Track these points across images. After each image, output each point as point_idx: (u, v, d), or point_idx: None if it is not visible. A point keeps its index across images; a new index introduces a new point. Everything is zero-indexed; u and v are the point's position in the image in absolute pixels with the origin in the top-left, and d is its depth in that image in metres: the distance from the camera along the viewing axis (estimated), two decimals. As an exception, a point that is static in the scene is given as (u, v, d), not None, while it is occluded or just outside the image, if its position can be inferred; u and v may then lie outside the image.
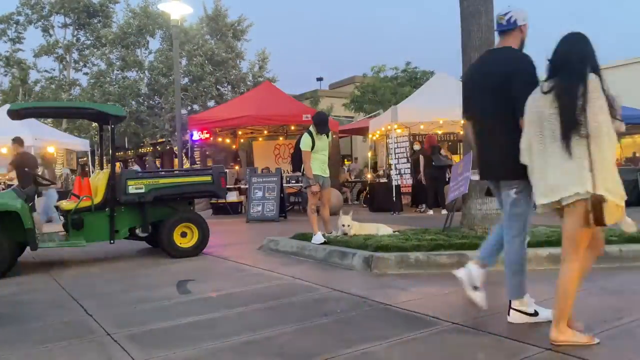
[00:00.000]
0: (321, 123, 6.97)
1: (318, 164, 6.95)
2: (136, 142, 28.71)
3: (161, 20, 25.48)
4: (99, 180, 6.81)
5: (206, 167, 7.45)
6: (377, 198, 13.54)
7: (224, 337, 3.40)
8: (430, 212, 12.25)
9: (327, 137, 7.08)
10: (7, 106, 16.87)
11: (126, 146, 30.96)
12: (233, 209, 13.87)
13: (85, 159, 25.96)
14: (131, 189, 6.55)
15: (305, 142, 6.87)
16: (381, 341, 3.18)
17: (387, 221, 10.78)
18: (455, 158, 15.62)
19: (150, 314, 4.08)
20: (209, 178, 7.02)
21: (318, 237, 6.52)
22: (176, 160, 22.54)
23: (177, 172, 7.32)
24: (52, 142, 15.65)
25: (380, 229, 6.61)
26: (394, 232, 6.69)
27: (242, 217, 12.57)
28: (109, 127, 6.86)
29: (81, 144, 16.90)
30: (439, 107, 12.21)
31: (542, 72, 3.22)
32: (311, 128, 7.02)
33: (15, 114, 6.54)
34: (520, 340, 3.08)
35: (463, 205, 6.37)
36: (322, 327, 3.55)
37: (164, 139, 27.63)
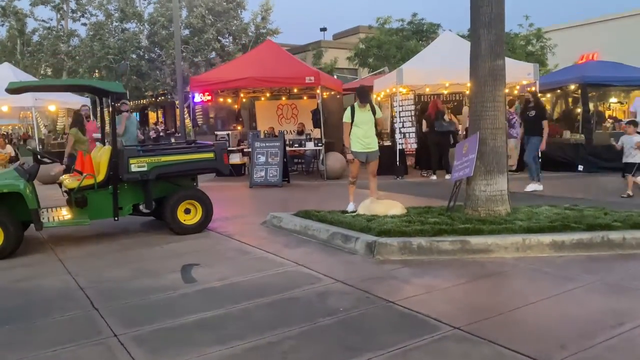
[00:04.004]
0: (360, 94, 7.47)
1: (356, 139, 7.37)
2: (137, 95, 28.41)
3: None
4: (100, 157, 6.77)
5: (209, 144, 7.36)
6: (381, 162, 13.43)
7: (229, 340, 3.45)
8: (434, 177, 12.23)
9: (373, 113, 7.40)
10: (6, 64, 16.66)
11: (128, 98, 30.68)
12: (236, 171, 13.85)
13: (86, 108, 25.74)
14: (133, 168, 6.52)
15: (345, 114, 7.45)
16: (383, 350, 3.23)
17: (391, 186, 10.85)
18: (460, 118, 15.45)
19: (156, 309, 4.13)
20: (211, 155, 6.96)
21: (350, 206, 7.26)
22: (178, 112, 22.39)
23: (179, 149, 7.25)
24: (53, 102, 15.53)
25: (392, 208, 6.53)
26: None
27: (244, 181, 12.58)
28: (110, 102, 6.75)
29: (83, 102, 16.68)
30: (446, 69, 11.96)
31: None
32: (355, 102, 7.48)
33: (14, 92, 6.44)
34: (521, 353, 3.11)
35: (467, 186, 6.32)
36: (325, 331, 3.59)
37: (165, 92, 27.33)
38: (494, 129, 6.10)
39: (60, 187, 7.00)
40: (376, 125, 7.50)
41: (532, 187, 9.66)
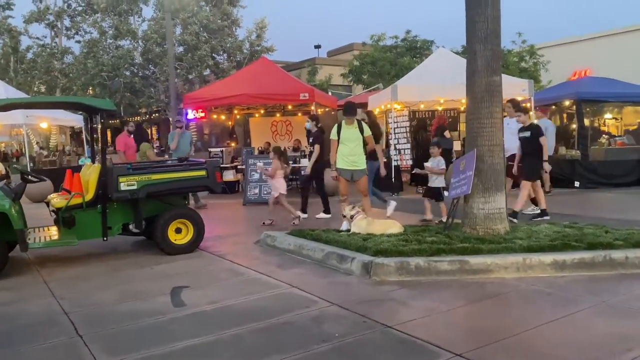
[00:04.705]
0: (345, 109, 7.41)
1: (341, 156, 7.26)
2: (131, 112, 28.34)
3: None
4: (89, 175, 6.61)
5: (201, 161, 7.22)
6: (376, 179, 13.33)
7: (218, 369, 3.28)
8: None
9: (361, 131, 7.23)
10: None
11: (122, 114, 30.58)
12: (230, 188, 13.66)
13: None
14: (123, 186, 6.35)
15: (332, 132, 7.35)
16: (381, 380, 3.06)
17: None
18: (454, 134, 15.40)
19: (144, 335, 3.95)
20: (203, 172, 6.81)
21: (344, 225, 7.00)
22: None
23: (170, 166, 7.08)
24: (45, 119, 15.36)
25: (390, 228, 6.38)
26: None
27: (238, 198, 12.39)
28: (99, 119, 6.61)
29: (75, 120, 16.56)
30: (440, 86, 11.94)
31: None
32: (343, 120, 7.37)
33: (1, 109, 6.29)
34: (526, 382, 2.95)
35: (465, 204, 6.19)
36: (319, 359, 3.42)
37: (159, 109, 27.22)
38: (492, 146, 5.99)
39: (48, 206, 6.81)
40: (365, 143, 7.35)
41: (390, 210, 8.62)
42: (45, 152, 20.30)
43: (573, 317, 4.00)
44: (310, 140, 9.43)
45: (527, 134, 8.16)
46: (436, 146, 8.25)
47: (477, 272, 5.10)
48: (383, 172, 8.38)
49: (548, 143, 11.76)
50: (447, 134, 12.14)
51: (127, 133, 11.00)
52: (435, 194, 8.04)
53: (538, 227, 6.29)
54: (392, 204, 8.69)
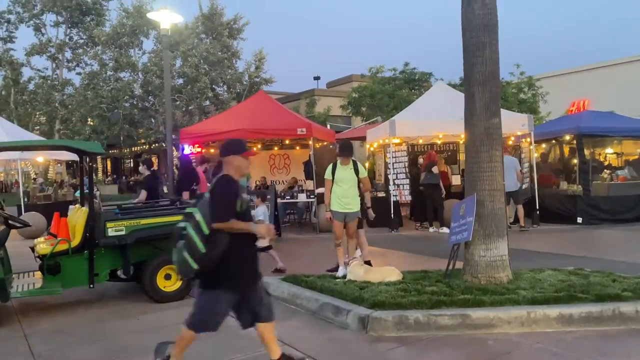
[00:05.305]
0: (341, 148, 7.23)
1: (335, 198, 7.02)
2: (130, 143, 28.30)
3: (155, 20, 24.94)
4: (76, 220, 6.39)
5: (192, 203, 6.97)
6: (376, 214, 13.10)
7: None
8: (431, 229, 11.90)
9: (356, 171, 7.01)
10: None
11: (121, 145, 30.54)
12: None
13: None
14: (110, 232, 6.13)
15: (327, 171, 7.17)
16: None
17: (386, 241, 10.46)
18: (454, 168, 15.26)
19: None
20: (194, 216, 6.58)
21: (340, 271, 6.78)
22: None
23: (160, 210, 6.87)
24: (41, 153, 15.20)
25: (389, 276, 6.12)
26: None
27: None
28: (87, 162, 6.44)
29: (70, 155, 16.38)
30: (438, 121, 11.86)
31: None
32: (339, 160, 7.18)
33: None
34: None
35: (465, 251, 5.95)
36: None
37: (158, 140, 27.13)
38: (492, 191, 5.78)
39: (33, 251, 6.57)
40: (360, 185, 7.11)
41: None
42: (41, 179, 20.17)
43: (583, 383, 3.72)
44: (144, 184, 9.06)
45: None
46: (261, 197, 8.07)
47: (479, 327, 4.83)
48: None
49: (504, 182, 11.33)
50: (434, 169, 11.98)
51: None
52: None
53: (542, 275, 6.04)
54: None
